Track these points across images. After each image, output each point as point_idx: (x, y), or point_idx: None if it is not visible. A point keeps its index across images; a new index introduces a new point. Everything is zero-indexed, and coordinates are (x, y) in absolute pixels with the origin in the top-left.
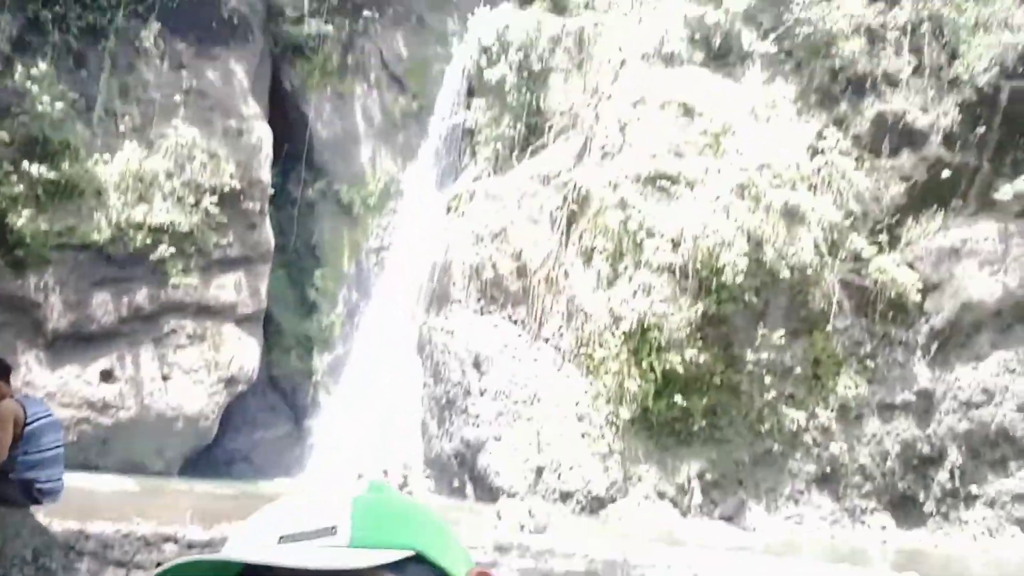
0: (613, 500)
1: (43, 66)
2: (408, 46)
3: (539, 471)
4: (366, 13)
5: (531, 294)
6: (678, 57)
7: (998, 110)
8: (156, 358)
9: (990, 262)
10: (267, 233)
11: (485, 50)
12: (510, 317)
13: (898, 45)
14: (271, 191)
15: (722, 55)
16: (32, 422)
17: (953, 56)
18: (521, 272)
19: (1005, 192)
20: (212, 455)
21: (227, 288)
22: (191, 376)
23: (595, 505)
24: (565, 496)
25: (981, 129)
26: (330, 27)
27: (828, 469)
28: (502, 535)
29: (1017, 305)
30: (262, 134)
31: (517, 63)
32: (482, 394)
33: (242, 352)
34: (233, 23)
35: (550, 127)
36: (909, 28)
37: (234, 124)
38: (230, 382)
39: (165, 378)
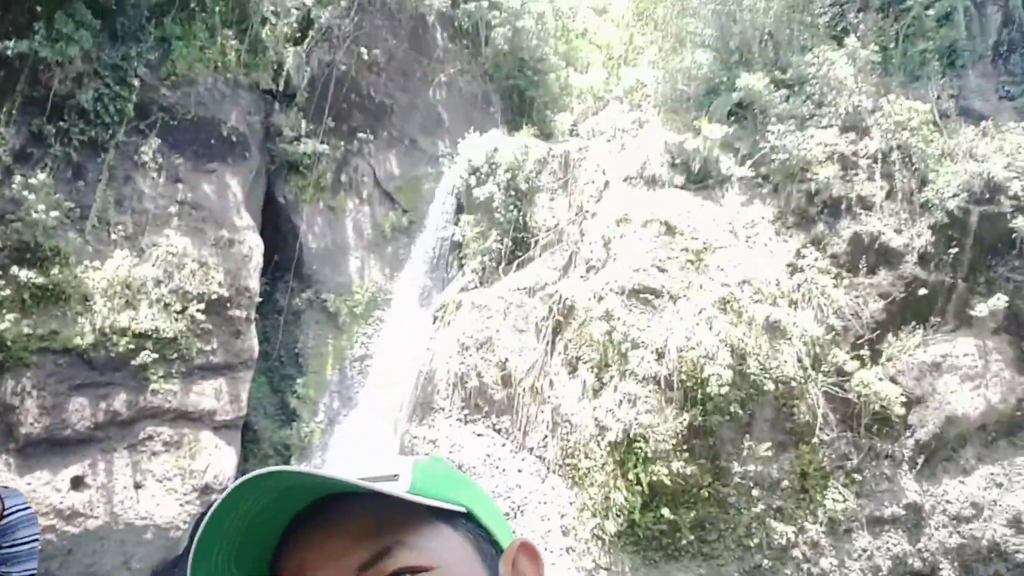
0: None
1: (42, 176)
2: (400, 165)
3: None
4: (361, 135)
5: (516, 403)
6: (659, 179)
7: (969, 232)
8: (130, 464)
9: (971, 377)
10: (252, 340)
11: (475, 170)
12: (494, 426)
13: (870, 171)
14: (258, 299)
15: (701, 178)
16: (9, 514)
17: (923, 182)
18: (506, 381)
19: (981, 310)
20: (181, 568)
21: (207, 395)
22: (164, 484)
23: None
24: None
25: (954, 250)
26: (326, 147)
27: None
28: None
29: (1000, 420)
30: (253, 244)
31: (505, 182)
32: None
33: (218, 460)
34: (232, 141)
35: (536, 242)
36: (880, 156)
37: (226, 234)
38: (204, 491)
39: (138, 486)
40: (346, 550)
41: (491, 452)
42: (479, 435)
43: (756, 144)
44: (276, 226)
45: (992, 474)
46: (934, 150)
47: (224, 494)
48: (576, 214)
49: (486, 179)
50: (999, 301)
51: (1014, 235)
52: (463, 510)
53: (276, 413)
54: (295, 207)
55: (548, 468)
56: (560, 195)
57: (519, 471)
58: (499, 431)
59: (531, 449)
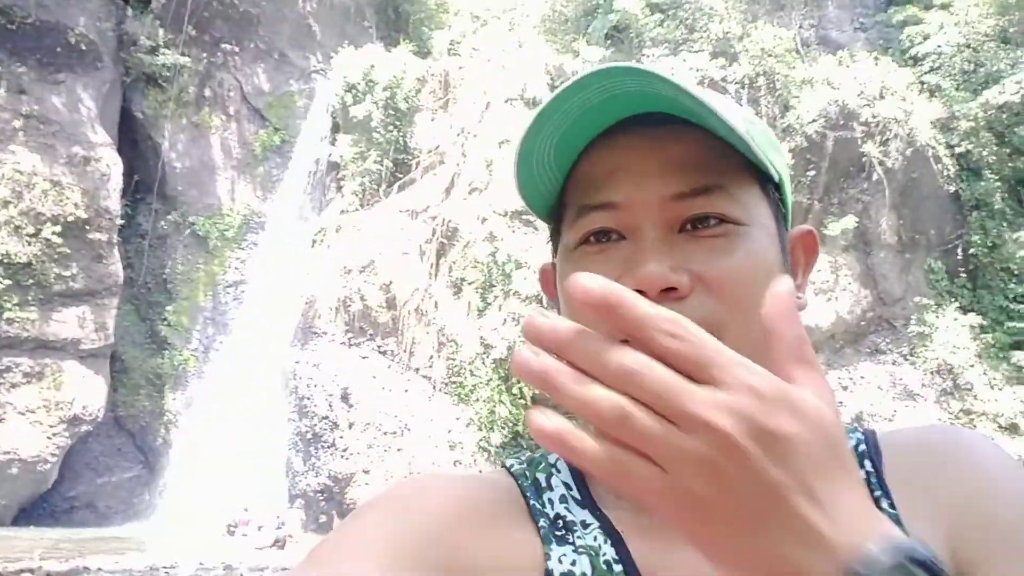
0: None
1: None
2: (269, 80)
3: None
4: (225, 46)
5: (401, 325)
6: (540, 101)
7: (825, 156)
8: None
9: (823, 291)
10: (115, 265)
11: (351, 88)
12: (379, 349)
13: (738, 96)
14: (120, 222)
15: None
16: None
17: (786, 108)
18: (390, 304)
19: (834, 229)
20: (51, 502)
21: (69, 323)
22: (28, 417)
23: None
24: None
25: (811, 172)
26: (187, 58)
27: None
28: None
29: (847, 329)
30: (111, 162)
31: (383, 101)
32: (351, 427)
33: (86, 390)
34: (81, 49)
35: (417, 163)
36: (747, 81)
37: (80, 151)
38: (73, 422)
39: None
40: (665, 172)
41: (377, 374)
42: (364, 358)
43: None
44: (135, 144)
45: (839, 378)
46: (796, 77)
47: (553, 96)
48: (458, 135)
49: (363, 97)
50: (849, 221)
51: (864, 159)
52: (777, 178)
53: (145, 342)
54: (155, 123)
55: (434, 387)
56: (441, 115)
57: (405, 391)
58: (384, 353)
59: (417, 369)
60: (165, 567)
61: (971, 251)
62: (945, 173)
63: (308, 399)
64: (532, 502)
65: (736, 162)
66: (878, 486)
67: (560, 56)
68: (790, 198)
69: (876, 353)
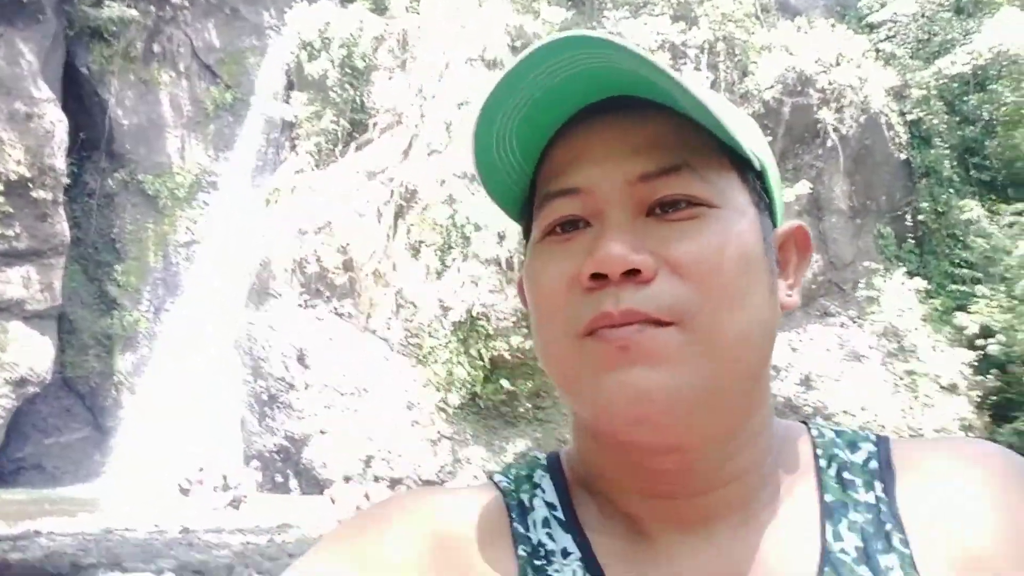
0: (443, 483)
1: None
2: (221, 36)
3: (368, 460)
4: (174, 0)
5: (358, 287)
6: (500, 62)
7: (781, 122)
8: None
9: None
10: (61, 224)
11: (306, 45)
12: (336, 311)
13: (697, 61)
14: (66, 180)
15: None
16: None
17: (744, 73)
18: (347, 266)
19: (788, 194)
20: None
21: (14, 283)
22: None
23: None
24: (395, 482)
25: (768, 138)
26: (134, 11)
27: None
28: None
29: None
30: (55, 119)
31: (340, 59)
32: (307, 388)
33: (33, 352)
34: (20, 1)
35: (375, 124)
36: (707, 46)
37: (22, 107)
38: (19, 384)
39: None
40: (630, 153)
41: (334, 336)
42: (320, 319)
43: (593, 30)
44: (80, 100)
45: (789, 340)
46: (755, 43)
47: (512, 65)
48: (416, 95)
49: (318, 55)
50: (803, 186)
51: (819, 125)
52: (758, 166)
53: (94, 302)
54: (101, 79)
55: (392, 348)
56: (399, 75)
57: (363, 352)
58: (341, 315)
59: (374, 331)
60: (119, 530)
61: (919, 217)
62: (897, 140)
63: (263, 360)
64: (516, 525)
65: (710, 144)
66: (890, 516)
67: (520, 16)
68: (778, 192)
69: (825, 316)
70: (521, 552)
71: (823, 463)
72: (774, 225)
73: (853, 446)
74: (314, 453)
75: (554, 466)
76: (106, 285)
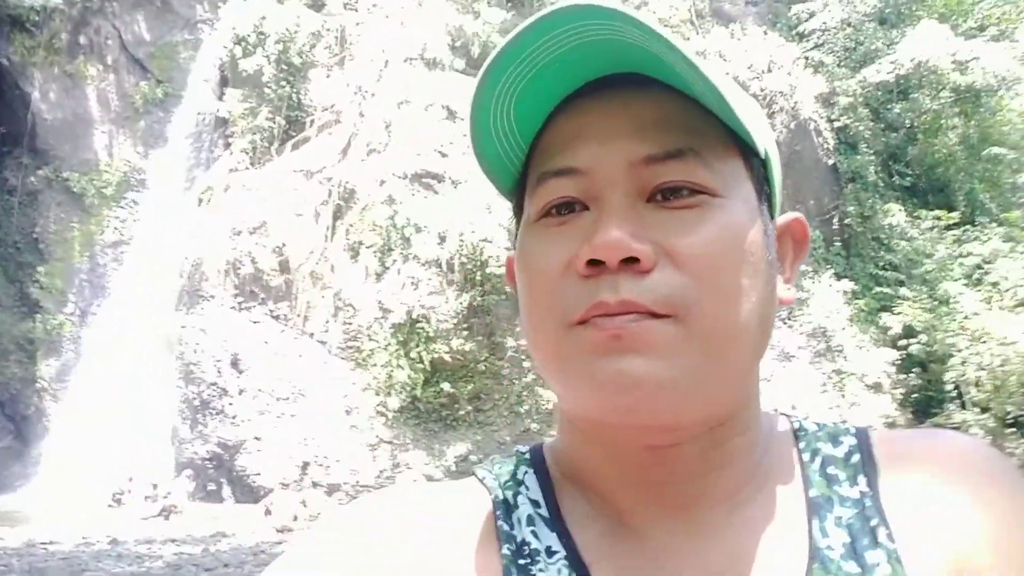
0: (382, 488)
1: None
2: (151, 29)
3: (305, 467)
4: None
5: (295, 289)
6: (440, 62)
7: None
8: None
9: None
10: None
11: (240, 40)
12: (271, 313)
13: None
14: None
15: (479, 63)
16: None
17: None
18: (284, 267)
19: None
20: None
21: None
22: None
23: (363, 494)
24: (333, 488)
25: None
26: (58, 0)
27: None
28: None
29: None
30: None
31: (276, 55)
32: (241, 393)
33: None
34: None
35: (312, 121)
36: None
37: None
38: None
39: None
40: (634, 133)
41: (269, 339)
42: (256, 322)
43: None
44: (0, 93)
45: None
46: (690, 48)
47: (519, 29)
48: (355, 94)
49: (253, 50)
50: None
51: None
52: (763, 154)
53: (15, 305)
54: (23, 71)
55: (330, 352)
56: (337, 72)
57: (300, 356)
58: (277, 318)
59: (311, 335)
60: (43, 543)
61: (846, 221)
62: (825, 146)
63: (195, 365)
64: (500, 523)
65: (716, 128)
66: (875, 511)
67: (461, 16)
68: (778, 180)
69: None
70: (505, 551)
71: (807, 457)
72: (772, 216)
73: (835, 439)
74: (248, 460)
75: (537, 461)
76: (28, 287)
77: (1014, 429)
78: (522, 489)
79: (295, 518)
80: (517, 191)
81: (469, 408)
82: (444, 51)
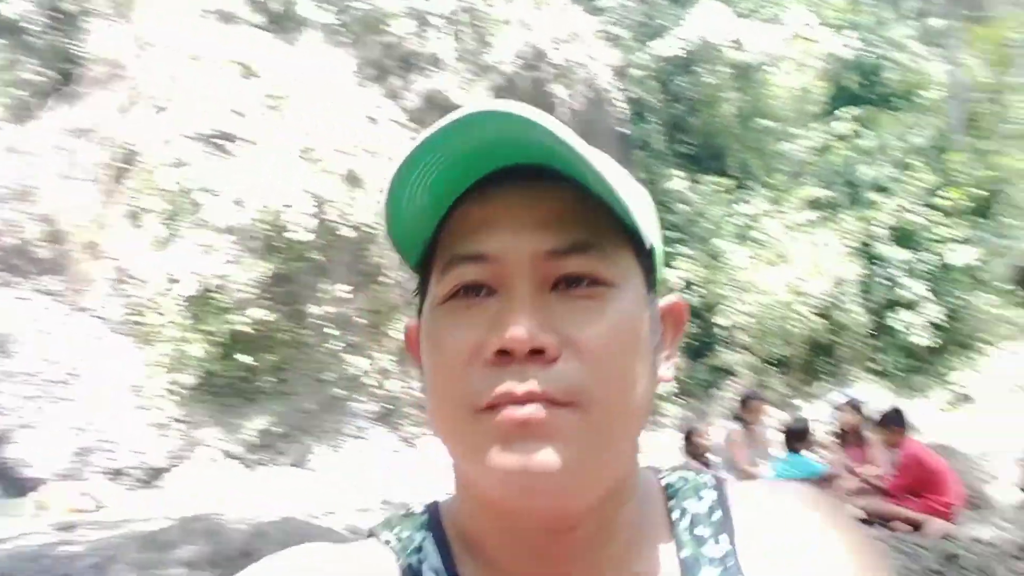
0: (172, 469)
1: None
2: None
3: (83, 453)
4: None
5: (67, 261)
6: (236, 16)
7: (518, 95)
8: None
9: None
10: None
11: None
12: (41, 288)
13: (440, 30)
14: None
15: (280, 20)
16: None
17: (485, 46)
18: (54, 237)
19: None
20: None
21: None
22: None
23: (153, 477)
24: (117, 473)
25: None
26: None
27: (388, 406)
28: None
29: None
30: None
31: (44, 1)
32: (9, 378)
33: None
34: None
35: (87, 76)
36: (450, 16)
37: None
38: None
39: None
40: (540, 227)
41: (38, 317)
42: (21, 299)
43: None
44: None
45: None
46: (496, 16)
47: (431, 133)
48: (138, 47)
49: None
50: None
51: (552, 99)
52: (649, 245)
53: None
54: None
55: (110, 329)
56: (117, 21)
57: (73, 334)
58: (47, 293)
59: (87, 310)
60: None
61: None
62: (618, 116)
63: None
64: None
65: (613, 223)
66: (736, 570)
67: None
68: (661, 268)
69: None
70: None
71: (676, 515)
72: (656, 300)
73: (697, 493)
74: (17, 451)
75: (435, 523)
76: None
77: (775, 367)
78: (423, 556)
79: (77, 512)
80: (424, 269)
81: (273, 379)
82: (240, 4)
